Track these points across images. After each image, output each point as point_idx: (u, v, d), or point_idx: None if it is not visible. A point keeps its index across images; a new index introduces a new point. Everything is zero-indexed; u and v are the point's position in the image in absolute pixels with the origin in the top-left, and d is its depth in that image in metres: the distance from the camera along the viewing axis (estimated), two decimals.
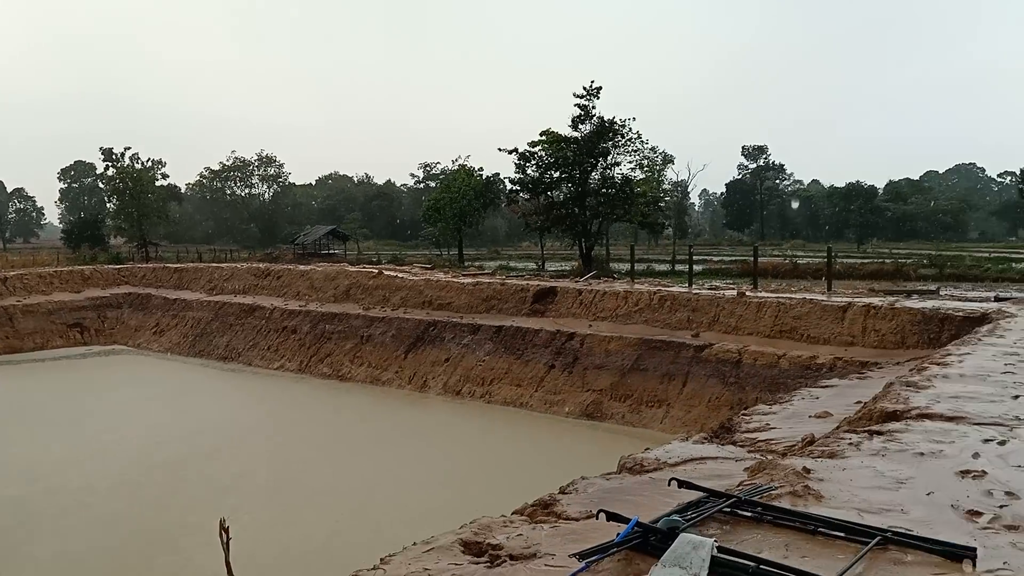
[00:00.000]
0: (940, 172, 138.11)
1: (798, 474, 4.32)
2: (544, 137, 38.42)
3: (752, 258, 27.41)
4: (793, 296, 17.35)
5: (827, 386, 10.75)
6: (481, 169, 57.11)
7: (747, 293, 17.94)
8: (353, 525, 10.81)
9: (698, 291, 19.26)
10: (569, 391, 16.98)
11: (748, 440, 7.24)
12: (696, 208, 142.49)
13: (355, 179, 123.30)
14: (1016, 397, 6.51)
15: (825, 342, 15.24)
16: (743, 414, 8.74)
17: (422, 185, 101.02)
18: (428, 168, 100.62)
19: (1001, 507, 3.81)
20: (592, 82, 38.31)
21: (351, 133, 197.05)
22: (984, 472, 4.37)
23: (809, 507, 3.83)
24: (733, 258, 53.00)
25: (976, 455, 4.77)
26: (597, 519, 3.72)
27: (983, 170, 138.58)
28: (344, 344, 22.82)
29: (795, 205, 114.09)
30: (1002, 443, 5.05)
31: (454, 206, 51.42)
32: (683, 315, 17.64)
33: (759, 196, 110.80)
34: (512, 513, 4.49)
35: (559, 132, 38.44)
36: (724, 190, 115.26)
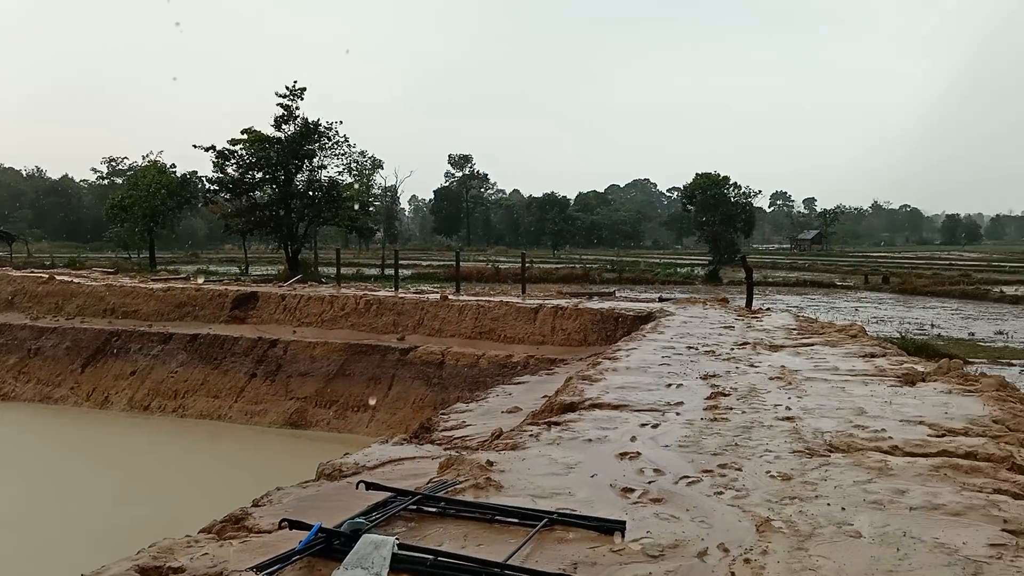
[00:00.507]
0: (621, 186, 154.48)
1: (482, 467, 4.56)
2: (246, 136, 36.74)
3: (455, 263, 28.50)
4: (492, 299, 18.35)
5: (520, 383, 11.48)
6: (174, 166, 53.24)
7: (450, 297, 18.63)
8: (16, 561, 9.47)
9: (404, 295, 19.62)
10: (272, 400, 16.39)
11: (445, 438, 7.49)
12: (407, 213, 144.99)
13: (23, 172, 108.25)
14: (669, 385, 7.43)
15: (520, 341, 16.31)
16: (442, 413, 9.04)
17: (107, 181, 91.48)
18: (114, 163, 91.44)
19: (650, 483, 4.31)
20: (295, 82, 37.46)
21: (15, 120, 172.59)
22: (639, 453, 4.92)
23: (490, 497, 4.05)
24: (441, 263, 54.72)
25: (634, 438, 5.33)
26: (281, 529, 3.63)
27: (656, 185, 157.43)
28: (7, 359, 19.94)
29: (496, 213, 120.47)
30: (655, 426, 5.72)
31: (144, 205, 47.29)
32: (389, 319, 17.87)
33: (465, 203, 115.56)
34: (199, 531, 4.23)
35: (262, 132, 37.03)
36: (433, 196, 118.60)
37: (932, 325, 27.15)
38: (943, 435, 5.15)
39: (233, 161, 37.19)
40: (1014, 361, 19.81)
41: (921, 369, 8.01)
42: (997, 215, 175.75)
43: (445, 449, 6.82)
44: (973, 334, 25.09)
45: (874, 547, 3.26)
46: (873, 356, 9.10)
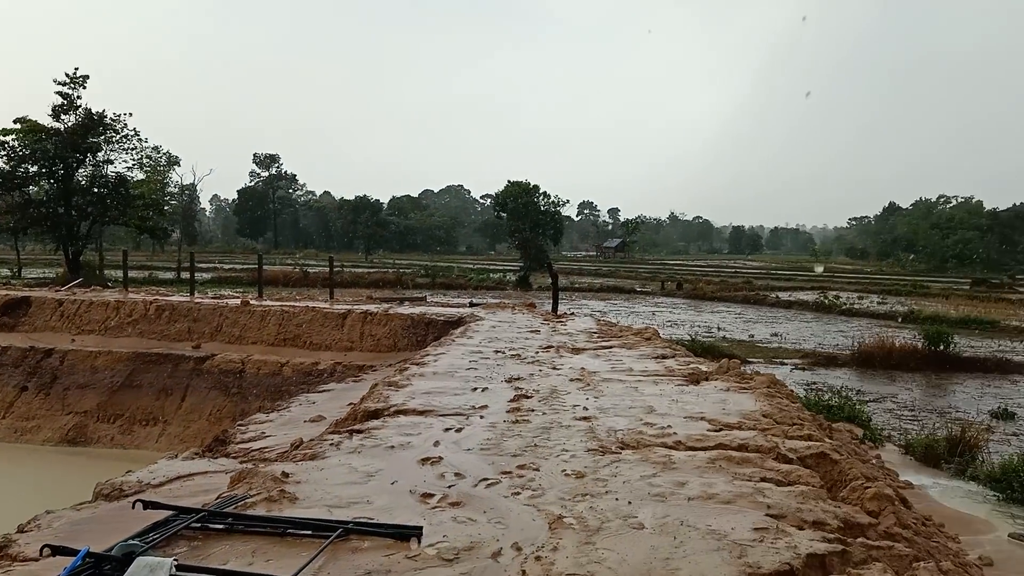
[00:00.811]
0: (435, 191, 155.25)
1: (276, 479, 4.37)
2: (18, 126, 33.18)
3: (258, 266, 27.31)
4: (297, 304, 17.75)
5: (325, 390, 11.16)
6: None
7: (251, 302, 17.81)
8: None
9: (201, 300, 18.51)
10: (46, 415, 14.86)
11: (242, 451, 7.13)
12: (207, 214, 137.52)
13: None
14: (475, 389, 7.52)
15: (327, 348, 15.88)
16: (239, 424, 8.60)
17: None
18: None
19: (450, 487, 4.32)
20: (76, 69, 34.36)
21: None
22: (441, 458, 4.92)
23: (284, 510, 3.89)
24: (244, 266, 52.27)
25: (437, 443, 5.33)
26: (46, 556, 3.28)
27: (469, 192, 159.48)
28: None
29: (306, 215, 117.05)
30: (459, 431, 5.75)
31: None
32: (183, 326, 16.78)
33: (272, 204, 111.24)
34: None
35: (38, 121, 33.61)
36: (236, 196, 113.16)
37: (718, 328, 29.53)
38: (720, 429, 5.58)
39: (3, 153, 33.46)
40: (786, 360, 21.95)
41: (705, 369, 8.66)
42: (776, 227, 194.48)
43: (241, 462, 6.49)
44: (753, 336, 27.56)
45: (654, 537, 3.46)
46: (664, 357, 9.71)
